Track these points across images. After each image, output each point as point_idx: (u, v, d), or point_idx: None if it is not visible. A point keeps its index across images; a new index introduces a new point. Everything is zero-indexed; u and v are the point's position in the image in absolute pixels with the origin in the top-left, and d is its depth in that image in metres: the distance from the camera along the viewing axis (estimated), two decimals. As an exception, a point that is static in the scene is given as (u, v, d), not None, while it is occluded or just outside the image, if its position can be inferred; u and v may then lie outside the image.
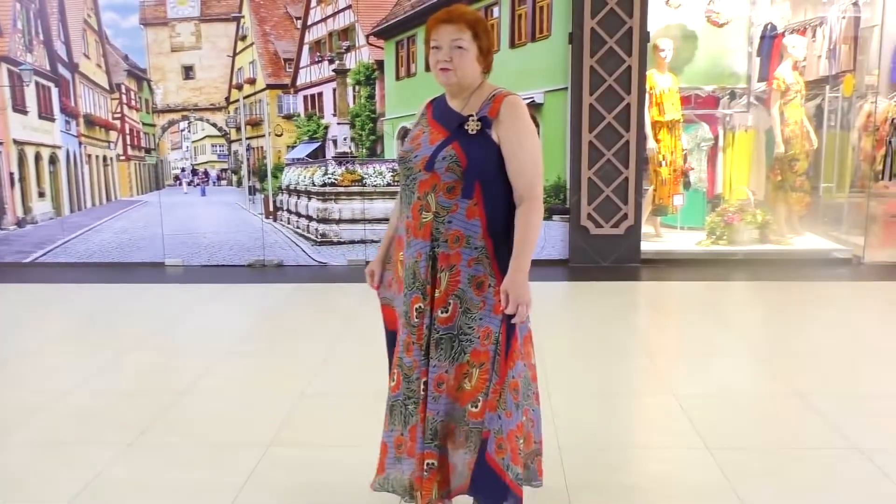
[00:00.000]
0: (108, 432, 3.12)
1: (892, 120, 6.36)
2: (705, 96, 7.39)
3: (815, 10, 7.18)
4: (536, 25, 6.40)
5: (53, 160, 6.93)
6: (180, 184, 7.21)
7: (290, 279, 6.29)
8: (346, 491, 2.60)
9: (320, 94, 6.85)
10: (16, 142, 6.80)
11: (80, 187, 6.98)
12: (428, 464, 2.13)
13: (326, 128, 6.87)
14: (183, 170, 7.21)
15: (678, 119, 6.93)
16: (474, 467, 2.10)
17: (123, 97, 6.94)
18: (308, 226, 6.89)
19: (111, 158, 7.03)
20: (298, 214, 6.95)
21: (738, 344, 4.34)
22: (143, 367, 4.02)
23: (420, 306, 2.12)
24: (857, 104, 6.85)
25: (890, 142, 6.39)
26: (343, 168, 6.78)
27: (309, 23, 6.79)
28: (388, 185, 6.70)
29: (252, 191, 7.02)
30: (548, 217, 6.59)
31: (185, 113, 6.91)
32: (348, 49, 6.73)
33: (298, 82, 6.90)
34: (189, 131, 7.13)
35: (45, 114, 6.81)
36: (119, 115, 6.96)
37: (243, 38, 6.80)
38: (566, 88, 6.36)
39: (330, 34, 6.75)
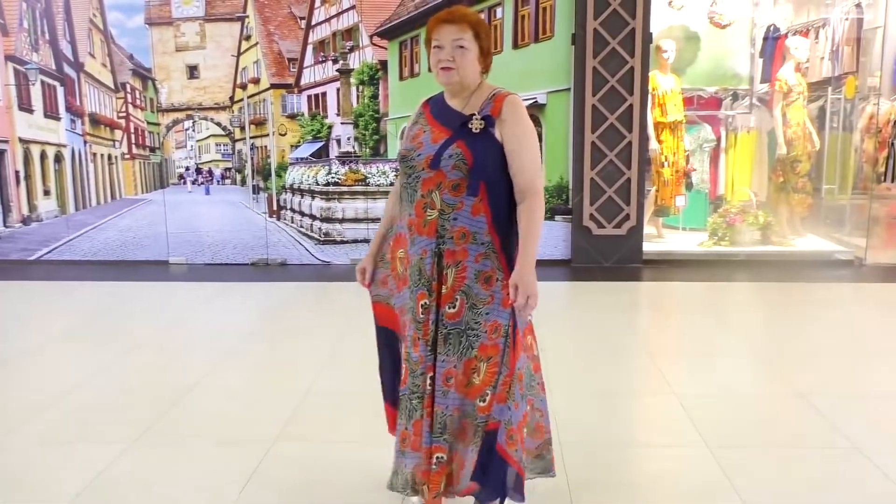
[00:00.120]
0: (112, 429, 3.14)
1: (895, 122, 6.37)
2: (708, 97, 7.40)
3: (818, 12, 7.18)
4: (539, 26, 6.42)
5: (59, 158, 6.97)
6: (184, 182, 7.24)
7: (294, 278, 6.31)
8: (349, 487, 2.63)
9: (324, 94, 6.88)
10: (21, 140, 6.84)
11: (84, 186, 7.02)
12: (437, 457, 2.16)
13: (330, 127, 6.90)
14: (187, 168, 7.24)
15: (681, 120, 6.95)
16: (483, 457, 2.13)
17: (128, 96, 6.97)
18: (311, 225, 6.92)
19: (116, 157, 7.07)
20: (302, 213, 6.98)
21: (740, 344, 4.36)
22: (147, 365, 4.04)
23: (426, 302, 2.15)
24: (860, 106, 6.86)
25: (892, 143, 6.40)
26: (346, 167, 6.80)
27: (313, 23, 6.81)
28: (392, 184, 6.72)
29: (256, 190, 7.05)
30: (550, 217, 6.62)
31: (189, 112, 6.94)
32: (352, 49, 6.75)
33: (302, 82, 6.93)
34: (193, 130, 7.16)
35: (51, 112, 6.85)
36: (124, 114, 7.00)
37: (248, 37, 6.83)
38: (569, 89, 6.38)
39: (334, 34, 6.78)
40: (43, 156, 6.94)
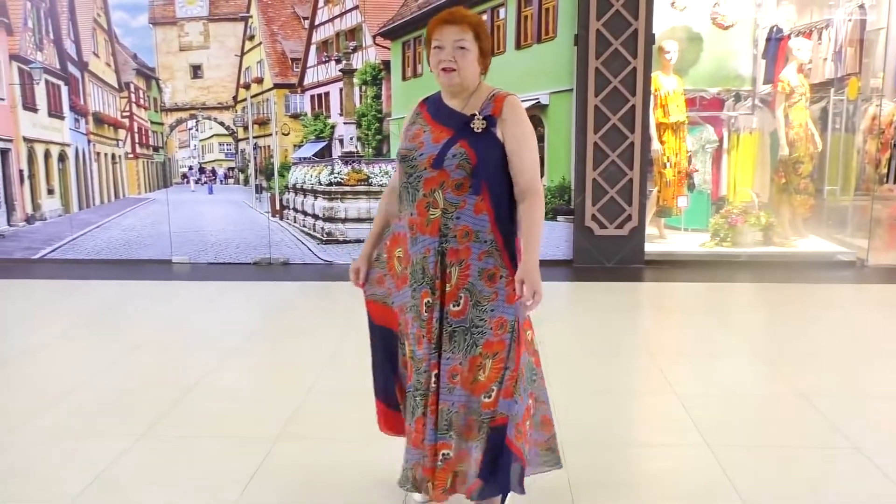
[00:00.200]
0: (115, 427, 3.16)
1: (897, 123, 6.37)
2: (710, 98, 7.41)
3: (822, 13, 7.19)
4: (542, 27, 6.43)
5: (63, 158, 6.99)
6: (188, 182, 7.26)
7: (296, 277, 6.33)
8: (351, 486, 2.64)
9: (327, 94, 6.90)
10: (26, 139, 6.86)
11: (88, 185, 7.05)
12: (443, 454, 2.18)
13: (333, 127, 6.92)
14: (190, 168, 7.26)
15: (683, 121, 6.96)
16: (491, 453, 2.16)
17: (132, 96, 7.00)
18: (314, 224, 6.93)
19: (120, 156, 7.09)
20: (305, 213, 7.00)
21: (741, 344, 4.36)
22: (150, 364, 4.06)
23: (429, 300, 2.17)
24: (862, 107, 6.86)
25: (894, 145, 6.40)
26: (349, 167, 6.82)
27: (316, 23, 6.83)
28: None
29: (259, 189, 7.07)
30: (552, 217, 6.63)
31: (193, 111, 6.97)
32: (355, 49, 6.77)
33: (305, 82, 6.95)
34: (197, 130, 7.19)
35: (55, 112, 6.88)
36: (128, 114, 7.02)
37: (251, 37, 6.85)
38: (571, 90, 6.39)
39: (337, 34, 6.80)
40: (47, 155, 6.97)
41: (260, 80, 6.92)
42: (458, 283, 2.15)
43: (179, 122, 7.05)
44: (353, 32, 6.75)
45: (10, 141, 6.84)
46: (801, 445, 2.97)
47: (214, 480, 2.69)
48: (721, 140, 7.37)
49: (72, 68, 6.87)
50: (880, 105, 6.59)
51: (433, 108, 2.26)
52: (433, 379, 2.17)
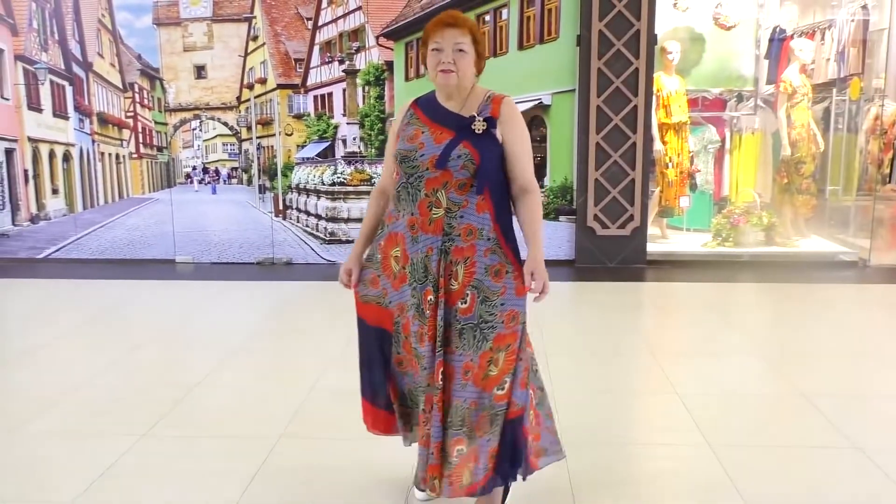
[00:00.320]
0: (121, 424, 3.18)
1: (899, 123, 6.38)
2: (712, 99, 7.41)
3: (824, 13, 7.19)
4: (545, 27, 6.45)
5: (67, 157, 7.03)
6: (191, 182, 7.29)
7: (299, 277, 6.36)
8: (353, 484, 2.66)
9: (330, 94, 6.92)
10: (30, 139, 6.90)
11: (92, 184, 7.08)
12: (458, 450, 2.21)
13: (336, 127, 6.94)
14: (194, 168, 7.29)
15: (685, 121, 6.96)
16: (510, 444, 2.22)
17: (136, 96, 7.03)
18: (317, 224, 6.96)
19: (124, 156, 7.12)
20: (308, 213, 7.02)
21: (743, 344, 4.37)
22: (154, 362, 4.09)
23: (432, 298, 2.19)
24: (865, 107, 6.87)
25: (897, 145, 6.41)
26: (352, 167, 6.84)
27: (320, 23, 6.86)
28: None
29: (262, 189, 7.09)
30: (554, 218, 6.65)
31: (196, 112, 6.99)
32: (358, 50, 6.79)
33: (309, 82, 6.97)
34: (200, 130, 7.21)
35: (60, 112, 6.91)
36: (132, 114, 7.05)
37: (255, 38, 6.88)
38: (574, 90, 6.41)
39: (340, 35, 6.82)
40: (51, 155, 7.00)
41: (263, 81, 6.95)
42: (464, 280, 2.18)
43: (183, 122, 7.08)
44: (357, 33, 6.78)
45: (15, 141, 6.88)
46: (802, 445, 2.98)
47: (216, 480, 2.71)
48: (723, 140, 7.38)
49: (76, 68, 6.90)
50: (882, 105, 6.59)
51: (427, 108, 2.28)
52: (439, 376, 2.19)
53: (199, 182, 7.30)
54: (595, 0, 6.10)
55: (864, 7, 6.79)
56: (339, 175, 6.85)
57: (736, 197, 7.26)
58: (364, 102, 6.81)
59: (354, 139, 6.88)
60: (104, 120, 7.00)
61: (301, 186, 7.00)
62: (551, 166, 6.66)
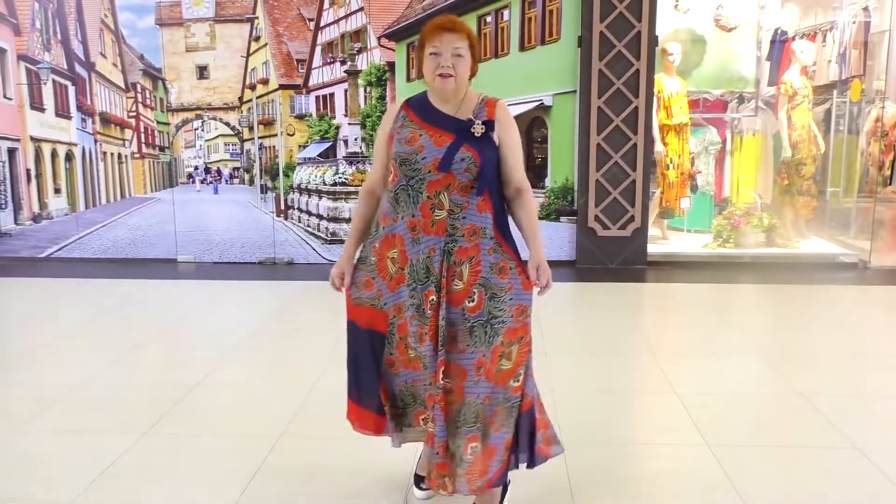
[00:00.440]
0: (122, 422, 3.20)
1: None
2: (713, 100, 7.42)
3: (826, 15, 7.20)
4: (546, 29, 6.46)
5: (69, 157, 7.05)
6: (193, 182, 7.31)
7: (300, 277, 6.37)
8: (352, 484, 2.68)
9: (332, 95, 6.94)
10: (33, 139, 6.92)
11: (95, 184, 7.10)
12: (472, 447, 2.24)
13: (338, 128, 6.96)
14: (196, 168, 7.31)
15: (686, 122, 6.97)
16: (526, 436, 2.29)
17: (139, 96, 7.05)
18: (318, 224, 6.97)
19: (126, 156, 7.14)
20: (309, 213, 7.03)
21: (743, 345, 4.38)
22: (155, 361, 4.10)
23: (434, 299, 2.21)
24: (866, 109, 6.87)
25: (898, 147, 6.41)
26: (353, 168, 6.86)
27: (322, 24, 6.87)
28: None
29: (264, 189, 7.11)
30: (555, 218, 6.66)
31: (198, 112, 7.01)
32: (360, 50, 6.81)
33: (311, 83, 6.99)
34: (202, 130, 7.23)
35: (62, 111, 6.93)
36: (134, 114, 7.07)
37: (257, 38, 6.90)
38: (575, 91, 6.42)
39: (342, 36, 6.84)
40: (54, 154, 7.03)
41: (265, 81, 6.97)
42: (470, 279, 2.21)
43: (185, 122, 7.10)
44: (358, 34, 6.79)
45: (18, 140, 6.90)
46: (801, 445, 2.99)
47: (216, 479, 2.72)
48: (724, 142, 7.38)
49: (79, 68, 6.92)
50: (883, 107, 6.60)
51: (421, 110, 2.30)
52: (440, 375, 2.21)
53: (201, 182, 7.32)
54: (596, 1, 6.11)
55: (866, 9, 6.80)
56: (340, 175, 6.86)
57: (737, 198, 7.27)
58: (366, 103, 6.83)
59: (356, 140, 6.90)
60: (106, 120, 7.02)
61: (303, 186, 7.02)
62: (552, 167, 6.67)
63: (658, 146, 6.82)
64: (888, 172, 6.61)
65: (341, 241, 6.90)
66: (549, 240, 6.62)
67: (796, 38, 7.13)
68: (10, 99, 6.82)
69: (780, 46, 7.15)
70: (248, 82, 6.94)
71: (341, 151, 6.95)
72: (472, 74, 2.30)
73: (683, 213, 7.15)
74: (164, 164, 7.20)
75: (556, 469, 2.69)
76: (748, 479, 2.69)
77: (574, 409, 3.30)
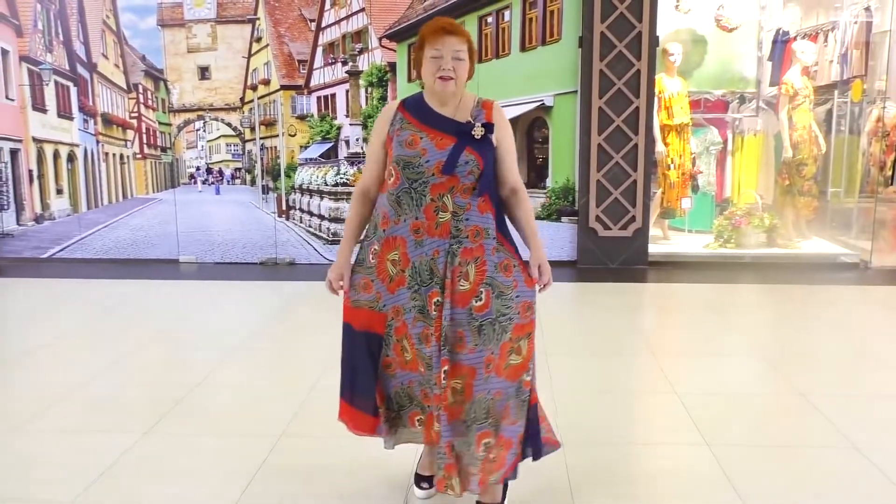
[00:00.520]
0: (123, 422, 3.21)
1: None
2: (715, 100, 7.42)
3: (828, 15, 7.19)
4: (547, 29, 6.47)
5: (71, 158, 7.07)
6: (195, 182, 7.33)
7: (302, 277, 6.38)
8: (353, 483, 2.68)
9: (333, 96, 6.95)
10: (35, 139, 6.94)
11: (97, 185, 7.11)
12: (485, 443, 2.27)
13: (339, 128, 6.97)
14: (198, 168, 7.33)
15: (687, 123, 6.97)
16: (532, 428, 2.34)
17: (140, 97, 7.07)
18: (320, 225, 6.98)
19: (128, 157, 7.16)
20: (311, 213, 7.05)
21: (742, 344, 4.39)
22: (156, 361, 4.12)
23: (438, 300, 2.23)
24: (867, 109, 6.87)
25: (899, 147, 6.41)
26: (355, 168, 6.87)
27: (323, 25, 6.89)
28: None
29: (265, 190, 7.12)
30: (556, 219, 6.67)
31: (200, 113, 7.03)
32: (361, 51, 6.82)
33: (312, 83, 7.00)
34: (204, 131, 7.25)
35: (64, 112, 6.95)
36: (136, 115, 7.09)
37: (258, 39, 6.91)
38: (576, 91, 6.43)
39: (343, 36, 6.85)
40: (56, 155, 7.04)
41: (267, 82, 6.98)
42: (476, 279, 2.24)
43: (187, 122, 7.12)
44: (360, 34, 6.80)
45: (20, 141, 6.92)
46: (800, 445, 2.99)
47: (217, 478, 2.73)
48: (725, 142, 7.38)
49: (81, 69, 6.94)
50: (885, 107, 6.60)
51: (419, 113, 2.31)
52: (443, 376, 2.22)
53: (203, 182, 7.33)
54: (597, 2, 6.12)
55: (867, 9, 6.80)
56: (341, 176, 6.87)
57: (738, 198, 7.27)
58: (367, 103, 6.84)
59: (357, 140, 6.91)
60: (108, 120, 7.04)
61: (304, 187, 7.03)
62: (553, 167, 6.68)
63: (659, 146, 6.82)
64: (889, 173, 6.61)
65: (342, 242, 6.90)
66: (551, 240, 6.63)
67: (798, 38, 7.13)
68: (12, 100, 6.84)
69: (781, 47, 7.15)
70: (249, 83, 6.95)
71: (343, 152, 6.96)
72: (469, 77, 2.31)
73: (684, 214, 7.16)
74: (165, 164, 7.21)
75: (556, 468, 2.70)
76: (748, 479, 2.69)
77: (574, 409, 3.31)
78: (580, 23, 6.26)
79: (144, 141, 7.15)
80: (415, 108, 2.32)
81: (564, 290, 5.85)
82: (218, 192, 7.31)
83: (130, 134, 7.13)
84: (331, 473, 2.75)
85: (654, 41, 6.21)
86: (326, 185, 6.91)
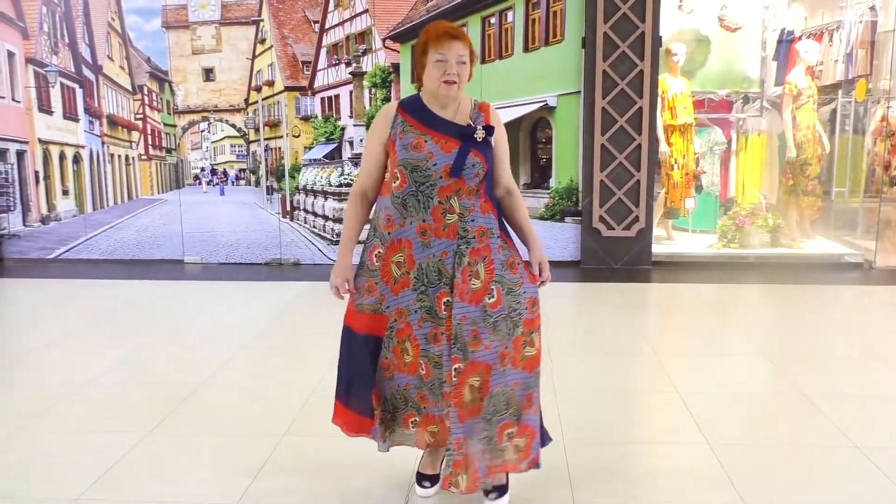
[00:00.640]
0: (128, 420, 3.23)
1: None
2: (718, 100, 7.42)
3: (832, 15, 7.18)
4: (550, 30, 6.48)
5: (77, 159, 7.10)
6: (200, 183, 7.35)
7: (306, 277, 6.40)
8: (355, 482, 2.70)
9: (337, 97, 6.97)
10: (41, 141, 6.98)
11: (102, 186, 7.15)
12: (508, 433, 2.33)
13: (343, 129, 6.99)
14: (203, 169, 7.36)
15: (690, 123, 6.97)
16: (541, 417, 2.45)
17: (145, 98, 7.10)
18: (324, 225, 7.01)
19: (133, 158, 7.20)
20: (315, 214, 7.07)
21: (745, 344, 4.39)
22: (161, 361, 4.14)
23: (447, 300, 2.27)
24: (872, 109, 6.86)
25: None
26: (359, 169, 6.88)
27: (327, 26, 6.91)
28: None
29: (270, 190, 7.15)
30: (560, 219, 6.67)
31: (205, 114, 7.06)
32: (365, 52, 6.84)
33: (316, 85, 7.02)
34: (209, 132, 7.28)
35: (70, 114, 6.99)
36: (141, 116, 7.12)
37: (262, 41, 6.93)
38: (579, 92, 6.43)
39: (347, 38, 6.87)
40: (62, 156, 7.08)
41: (271, 83, 7.00)
42: (486, 277, 2.28)
43: (192, 124, 7.15)
44: (363, 36, 6.82)
45: (26, 143, 6.96)
46: (800, 443, 3.00)
47: (224, 472, 2.76)
48: (729, 142, 7.38)
49: (86, 71, 6.98)
50: (889, 106, 6.58)
51: (420, 116, 2.33)
52: (454, 373, 2.25)
53: (208, 183, 7.36)
54: (600, 2, 6.13)
55: (872, 8, 6.78)
56: (346, 176, 6.89)
57: (742, 198, 7.27)
58: (371, 104, 6.86)
59: (361, 141, 6.92)
60: (114, 122, 7.08)
61: (308, 188, 7.05)
62: (557, 168, 6.69)
63: (663, 146, 6.82)
64: (894, 172, 6.59)
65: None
66: (554, 240, 6.64)
67: (802, 37, 7.12)
68: (18, 102, 6.88)
69: (786, 46, 7.13)
70: (253, 84, 6.98)
71: (347, 153, 6.98)
72: (468, 80, 2.35)
73: (688, 214, 7.15)
74: (170, 165, 7.24)
75: (557, 467, 2.71)
76: (748, 479, 2.69)
77: (577, 408, 3.31)
78: (583, 23, 6.27)
79: (149, 142, 7.19)
80: (415, 110, 2.34)
81: (568, 291, 5.85)
82: (222, 192, 7.34)
83: (135, 135, 7.16)
84: (333, 472, 2.77)
85: (657, 41, 6.21)
86: (330, 185, 6.93)
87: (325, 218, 6.99)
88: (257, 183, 7.22)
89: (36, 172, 7.02)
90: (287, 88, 6.99)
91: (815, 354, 4.19)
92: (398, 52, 6.79)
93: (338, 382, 2.49)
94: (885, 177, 6.66)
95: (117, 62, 7.05)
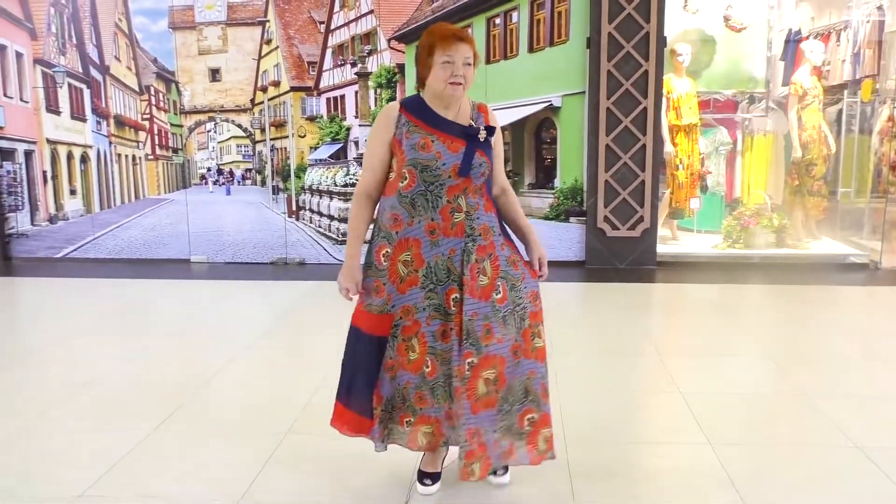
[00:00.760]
0: (134, 417, 3.25)
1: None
2: (724, 100, 7.40)
3: (840, 14, 7.15)
4: (555, 30, 6.48)
5: (84, 159, 7.15)
6: (206, 183, 7.39)
7: (312, 277, 6.42)
8: (357, 480, 2.72)
9: (343, 97, 6.99)
10: (49, 141, 7.03)
11: (109, 185, 7.20)
12: (528, 418, 2.44)
13: (348, 129, 7.01)
14: (209, 169, 7.39)
15: (696, 123, 6.96)
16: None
17: (152, 98, 7.14)
18: (330, 225, 7.03)
19: (140, 158, 7.24)
20: (320, 214, 7.09)
21: (749, 344, 4.38)
22: (169, 358, 4.16)
23: (456, 296, 2.32)
24: (878, 109, 6.83)
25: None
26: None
27: (332, 27, 6.93)
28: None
29: (275, 190, 7.17)
30: (564, 219, 6.68)
31: (211, 114, 7.09)
32: (370, 53, 6.86)
33: (321, 85, 7.05)
34: (215, 132, 7.31)
35: (78, 114, 7.03)
36: (148, 116, 7.17)
37: (268, 41, 6.96)
38: (584, 92, 6.43)
39: (352, 38, 6.89)
40: (69, 156, 7.13)
41: (277, 84, 7.03)
42: (493, 274, 2.35)
43: (198, 124, 7.19)
44: (369, 36, 6.84)
45: (34, 143, 7.01)
46: (801, 443, 3.00)
47: (229, 468, 2.78)
48: (735, 142, 7.36)
49: (94, 72, 7.02)
50: (895, 107, 6.56)
51: (424, 116, 2.35)
52: (466, 367, 2.29)
53: (214, 183, 7.39)
54: (605, 2, 6.13)
55: (880, 8, 6.76)
56: (351, 176, 6.92)
57: (747, 199, 7.25)
58: (376, 105, 6.88)
59: (366, 141, 6.93)
60: (121, 122, 7.12)
61: (314, 187, 7.08)
62: (561, 168, 6.69)
63: (668, 147, 6.82)
64: (901, 172, 6.57)
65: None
66: (559, 240, 6.64)
67: (809, 37, 7.09)
68: (26, 102, 6.93)
69: (794, 46, 7.11)
70: (259, 84, 7.01)
71: (352, 153, 7.00)
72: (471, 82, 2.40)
73: (693, 214, 7.15)
74: (177, 165, 7.28)
75: (558, 467, 2.72)
76: (749, 479, 2.69)
77: (579, 408, 3.32)
78: (588, 24, 6.27)
79: (156, 142, 7.23)
80: (418, 110, 2.36)
81: (572, 290, 5.86)
82: (229, 192, 7.37)
83: (142, 135, 7.20)
84: (335, 470, 2.78)
85: (661, 41, 6.20)
86: (336, 185, 6.96)
87: (331, 217, 7.01)
88: (263, 183, 7.25)
89: (44, 172, 7.07)
90: (293, 89, 7.02)
91: (818, 355, 4.18)
92: (403, 52, 6.81)
93: (340, 382, 2.52)
94: (892, 177, 6.64)
95: (124, 63, 7.09)
